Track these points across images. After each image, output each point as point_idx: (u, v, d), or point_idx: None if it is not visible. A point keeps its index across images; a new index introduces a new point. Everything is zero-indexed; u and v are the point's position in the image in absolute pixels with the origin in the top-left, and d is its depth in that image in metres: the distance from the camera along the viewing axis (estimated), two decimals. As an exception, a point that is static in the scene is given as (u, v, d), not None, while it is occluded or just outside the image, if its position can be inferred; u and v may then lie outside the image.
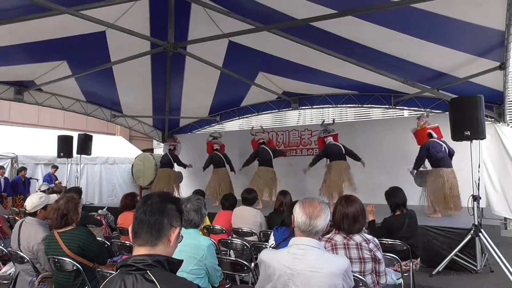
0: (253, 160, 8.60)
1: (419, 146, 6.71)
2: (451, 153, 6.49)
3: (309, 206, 2.08)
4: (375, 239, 2.63)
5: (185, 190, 10.09)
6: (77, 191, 5.29)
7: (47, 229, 3.40)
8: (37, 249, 3.27)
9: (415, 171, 6.56)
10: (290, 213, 2.29)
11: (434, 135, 6.60)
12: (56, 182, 9.99)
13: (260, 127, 9.34)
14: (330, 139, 7.74)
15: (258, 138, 8.79)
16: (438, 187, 6.37)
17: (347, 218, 2.61)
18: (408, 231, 3.99)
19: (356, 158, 7.56)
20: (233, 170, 9.18)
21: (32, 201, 3.50)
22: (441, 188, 6.34)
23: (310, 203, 2.10)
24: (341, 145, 7.62)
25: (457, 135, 5.26)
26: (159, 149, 14.01)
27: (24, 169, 9.94)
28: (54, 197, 4.10)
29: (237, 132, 12.12)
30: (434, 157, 6.47)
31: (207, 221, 4.72)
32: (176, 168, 10.21)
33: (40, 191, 5.32)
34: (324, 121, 8.48)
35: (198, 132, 12.20)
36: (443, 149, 6.43)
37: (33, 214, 3.49)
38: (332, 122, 8.44)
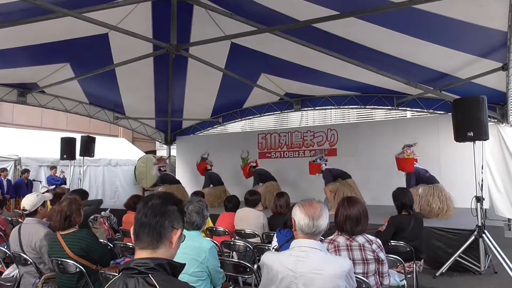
0: (258, 182, 8.76)
1: (405, 172, 6.92)
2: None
3: (309, 207, 2.08)
4: (378, 240, 2.63)
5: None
6: (80, 193, 5.26)
7: (47, 227, 3.43)
8: (40, 246, 3.27)
9: None
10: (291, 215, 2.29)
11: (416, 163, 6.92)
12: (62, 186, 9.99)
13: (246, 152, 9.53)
14: (325, 166, 7.91)
15: (248, 161, 9.14)
16: (432, 199, 6.49)
17: (349, 220, 2.61)
18: (413, 233, 3.98)
19: None
20: None
21: (31, 201, 3.50)
22: (434, 200, 6.46)
23: (310, 204, 2.10)
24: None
25: (460, 136, 5.24)
26: (162, 151, 14.05)
27: (27, 171, 9.99)
28: (48, 195, 4.20)
29: (241, 134, 12.16)
30: (424, 178, 6.75)
31: (209, 223, 4.73)
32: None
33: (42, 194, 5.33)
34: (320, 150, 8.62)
35: (200, 134, 12.22)
36: (427, 170, 6.80)
37: (34, 213, 3.49)
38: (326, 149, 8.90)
